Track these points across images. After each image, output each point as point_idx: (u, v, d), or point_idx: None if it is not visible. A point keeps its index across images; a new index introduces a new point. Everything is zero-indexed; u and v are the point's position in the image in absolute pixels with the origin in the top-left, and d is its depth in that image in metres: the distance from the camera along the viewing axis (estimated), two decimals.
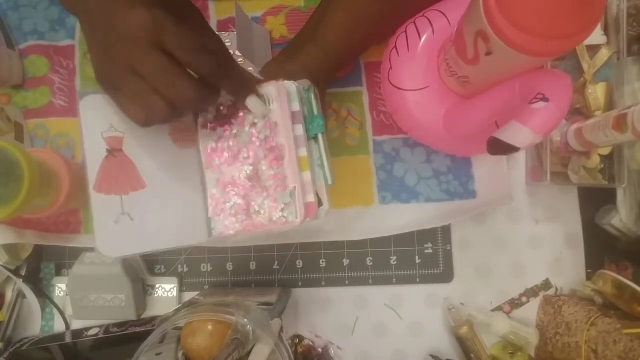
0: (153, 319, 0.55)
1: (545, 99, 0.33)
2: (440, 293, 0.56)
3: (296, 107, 0.39)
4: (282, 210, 0.38)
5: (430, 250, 0.57)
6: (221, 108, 0.40)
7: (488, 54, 0.34)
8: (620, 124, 0.43)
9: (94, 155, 0.39)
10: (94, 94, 0.39)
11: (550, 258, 0.56)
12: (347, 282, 0.57)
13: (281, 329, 0.43)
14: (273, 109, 0.38)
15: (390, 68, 0.48)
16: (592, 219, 0.56)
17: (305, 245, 0.57)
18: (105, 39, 0.32)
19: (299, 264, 0.58)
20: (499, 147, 0.36)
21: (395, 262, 0.57)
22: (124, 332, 0.53)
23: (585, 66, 0.53)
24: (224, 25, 0.59)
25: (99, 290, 0.53)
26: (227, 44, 0.43)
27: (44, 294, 0.57)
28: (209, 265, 0.58)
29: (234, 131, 0.40)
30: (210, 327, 0.43)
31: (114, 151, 0.39)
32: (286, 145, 0.38)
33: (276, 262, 0.58)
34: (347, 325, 0.57)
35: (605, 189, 0.53)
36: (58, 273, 0.58)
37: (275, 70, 0.45)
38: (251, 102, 0.37)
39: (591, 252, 0.56)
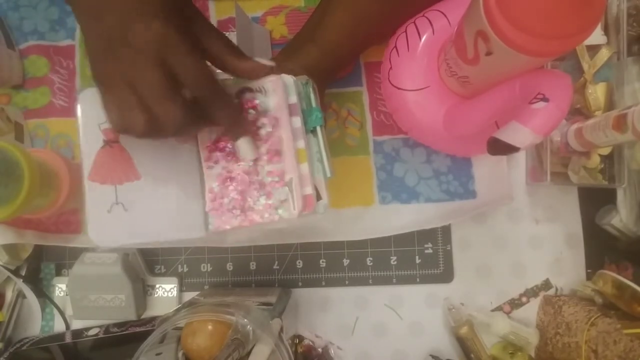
0: (153, 319, 0.55)
1: (545, 99, 0.33)
2: (440, 293, 0.56)
3: (293, 99, 0.39)
4: (277, 208, 0.38)
5: (430, 250, 0.57)
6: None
7: (488, 54, 0.34)
8: (620, 124, 0.43)
9: (90, 145, 0.39)
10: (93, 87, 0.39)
11: (550, 258, 0.56)
12: (347, 282, 0.57)
13: (281, 329, 0.43)
14: (272, 103, 0.38)
15: (390, 68, 0.48)
16: (592, 219, 0.56)
17: (305, 245, 0.57)
18: (110, 40, 0.32)
19: (299, 264, 0.58)
20: (499, 147, 0.36)
21: (395, 262, 0.57)
22: (124, 332, 0.53)
23: (585, 66, 0.53)
24: (224, 25, 0.59)
25: (99, 290, 0.53)
26: None
27: (44, 294, 0.57)
28: (209, 265, 0.58)
29: None
30: (210, 327, 0.43)
31: (111, 142, 0.39)
32: (284, 137, 0.38)
33: (276, 262, 0.58)
34: (347, 325, 0.57)
35: (605, 189, 0.53)
36: (58, 273, 0.58)
37: (275, 69, 0.45)
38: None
39: (591, 252, 0.56)
